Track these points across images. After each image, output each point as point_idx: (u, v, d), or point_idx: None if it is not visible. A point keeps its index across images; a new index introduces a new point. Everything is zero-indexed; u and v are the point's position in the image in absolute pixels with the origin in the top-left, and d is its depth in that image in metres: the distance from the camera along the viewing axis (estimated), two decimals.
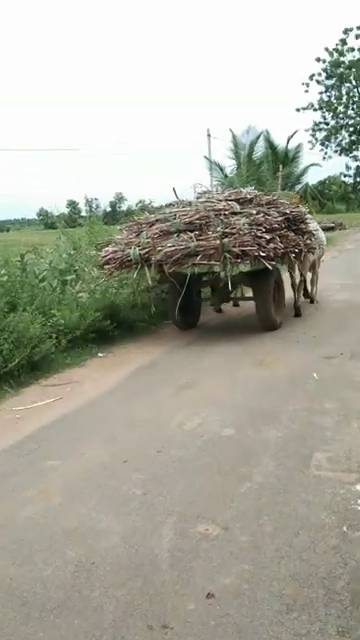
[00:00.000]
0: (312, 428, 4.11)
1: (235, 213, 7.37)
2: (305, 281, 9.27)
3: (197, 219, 7.20)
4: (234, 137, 19.91)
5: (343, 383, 5.10)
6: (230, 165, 20.16)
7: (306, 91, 40.41)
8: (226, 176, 19.71)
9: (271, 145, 20.86)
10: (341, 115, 40.20)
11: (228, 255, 6.87)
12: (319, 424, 4.17)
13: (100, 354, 6.79)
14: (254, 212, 7.38)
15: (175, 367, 6.14)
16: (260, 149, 19.99)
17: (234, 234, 6.94)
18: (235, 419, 4.40)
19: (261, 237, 7.05)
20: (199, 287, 8.26)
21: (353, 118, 39.96)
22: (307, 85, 39.30)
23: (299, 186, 22.40)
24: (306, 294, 9.55)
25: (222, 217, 7.23)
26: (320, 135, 41.20)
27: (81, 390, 5.42)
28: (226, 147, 20.19)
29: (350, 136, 40.72)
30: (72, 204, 59.55)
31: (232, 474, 3.48)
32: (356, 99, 39.30)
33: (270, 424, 4.23)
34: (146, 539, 2.87)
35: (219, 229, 7.03)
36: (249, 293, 8.69)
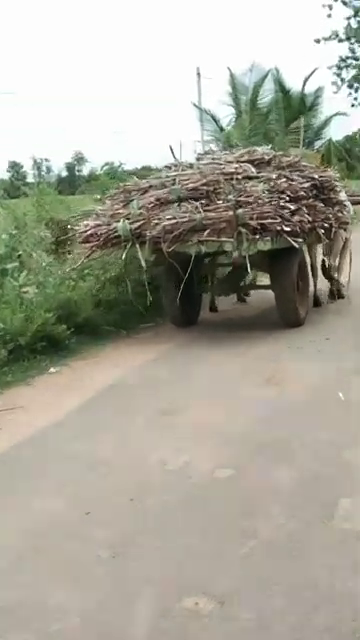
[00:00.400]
0: (338, 466, 4.13)
1: (250, 178, 7.69)
2: (330, 267, 9.49)
3: (203, 185, 7.47)
4: (232, 77, 19.97)
5: None
6: (227, 115, 20.25)
7: (329, 15, 40.43)
8: (222, 129, 19.80)
9: (282, 88, 20.98)
10: None
11: (244, 230, 7.12)
12: (347, 461, 4.19)
13: (53, 369, 6.78)
14: (274, 176, 7.71)
15: (154, 385, 6.15)
16: (267, 93, 20.09)
17: (251, 203, 7.22)
18: (234, 455, 4.39)
19: (284, 208, 7.35)
20: (201, 273, 8.47)
21: None
22: (329, 7, 39.71)
23: (320, 142, 22.60)
24: (328, 278, 9.68)
25: (234, 182, 7.52)
26: (348, 74, 41.54)
27: (27, 418, 5.39)
28: (222, 91, 20.23)
29: None
30: (14, 167, 59.32)
31: (230, 529, 3.48)
32: None
33: (281, 461, 4.24)
34: (116, 618, 2.86)
35: (231, 197, 7.29)
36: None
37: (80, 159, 65.06)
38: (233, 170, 7.76)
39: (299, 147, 13.34)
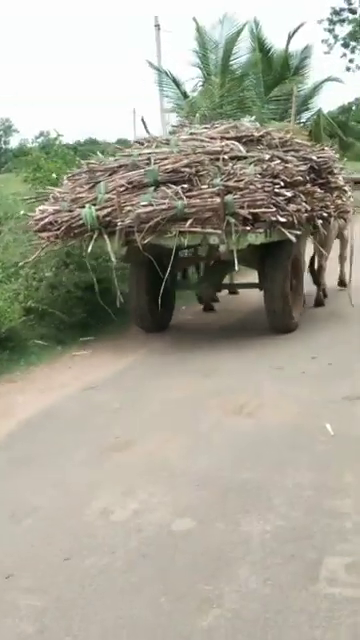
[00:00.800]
0: (323, 516, 4.16)
1: (238, 158, 7.99)
2: (320, 268, 10.14)
3: (185, 166, 7.71)
4: (200, 31, 20.05)
5: None
6: (193, 77, 20.34)
7: None
8: (186, 95, 19.87)
9: (261, 46, 21.16)
10: None
11: (232, 220, 7.39)
12: (335, 509, 4.23)
13: None
14: (266, 157, 8.02)
15: (98, 415, 6.16)
16: (243, 52, 20.22)
17: (241, 189, 7.51)
18: (196, 503, 4.40)
19: (279, 194, 7.68)
20: (176, 269, 8.73)
21: None
22: None
23: (307, 114, 22.86)
24: (316, 282, 10.30)
25: (221, 164, 7.78)
26: (342, 31, 42.33)
27: None
28: (187, 48, 20.29)
29: None
30: None
31: (190, 596, 3.49)
32: None
33: (254, 510, 4.26)
34: None
35: (218, 181, 7.54)
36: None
37: (8, 128, 64.85)
38: (219, 149, 8.01)
39: (292, 120, 13.65)
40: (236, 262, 7.62)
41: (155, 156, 7.98)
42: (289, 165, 8.15)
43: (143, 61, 27.69)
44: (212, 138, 8.46)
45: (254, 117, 10.78)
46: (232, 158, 7.96)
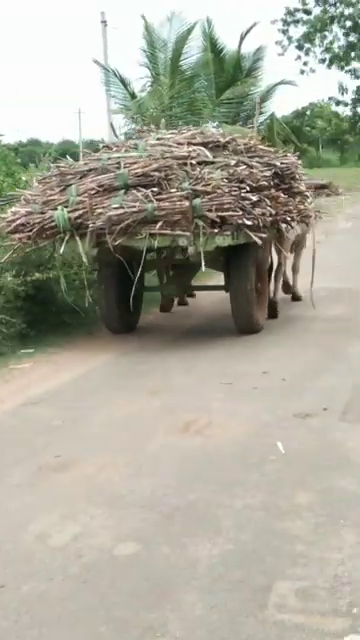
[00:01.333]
0: (273, 539, 4.18)
1: (205, 163, 8.67)
2: (278, 269, 10.73)
3: (154, 170, 8.33)
4: (148, 29, 20.11)
5: (327, 460, 5.27)
6: (141, 77, 20.39)
7: None
8: (133, 95, 19.91)
9: (213, 46, 21.32)
10: None
11: (201, 223, 8.06)
12: (285, 532, 4.26)
13: None
14: (232, 163, 8.71)
15: (36, 432, 6.11)
16: (194, 52, 20.34)
17: (209, 193, 8.18)
18: (140, 526, 4.40)
19: (245, 199, 8.31)
20: (145, 271, 9.37)
21: (352, 5, 41.88)
22: None
23: (260, 118, 23.05)
24: (286, 288, 11.20)
25: (188, 168, 8.48)
26: (297, 32, 42.91)
27: None
28: (136, 46, 20.31)
29: (347, 35, 42.74)
30: None
31: (132, 624, 3.48)
32: None
33: (202, 533, 4.26)
34: None
35: (186, 185, 8.22)
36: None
37: None
38: (186, 154, 8.67)
39: (255, 126, 14.21)
40: (203, 263, 8.29)
41: (125, 160, 8.59)
42: (254, 170, 8.76)
43: (89, 59, 27.72)
44: (179, 143, 9.04)
45: (216, 123, 11.29)
46: (199, 163, 8.60)
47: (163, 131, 10.30)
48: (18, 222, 8.46)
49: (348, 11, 41.87)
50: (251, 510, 4.55)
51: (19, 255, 8.78)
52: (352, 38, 42.39)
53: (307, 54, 42.83)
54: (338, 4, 41.97)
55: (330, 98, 47.35)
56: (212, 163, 8.69)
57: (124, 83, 20.13)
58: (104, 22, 37.44)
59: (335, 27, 42.43)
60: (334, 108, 50.81)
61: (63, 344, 9.15)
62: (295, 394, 6.83)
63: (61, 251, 8.43)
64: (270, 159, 9.47)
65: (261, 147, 9.90)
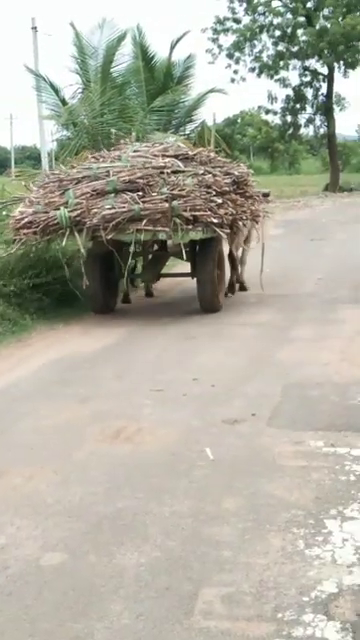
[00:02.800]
0: (201, 545, 4.20)
1: (178, 172, 10.51)
2: (234, 257, 12.59)
3: (138, 178, 10.24)
4: (78, 36, 20.01)
5: (255, 465, 5.31)
6: (72, 83, 20.27)
7: None
8: (64, 102, 19.80)
9: (144, 54, 21.29)
10: (261, 8, 42.50)
11: (178, 220, 9.92)
12: (212, 538, 4.28)
13: None
14: (200, 172, 10.59)
15: None
16: (124, 59, 20.29)
17: (184, 197, 10.07)
18: (67, 535, 4.38)
19: (212, 201, 10.25)
20: (127, 261, 10.92)
21: (281, 14, 42.35)
22: None
23: (191, 126, 23.13)
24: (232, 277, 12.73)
25: (165, 176, 10.32)
26: (227, 41, 43.23)
27: None
28: (67, 53, 20.17)
29: (276, 45, 43.17)
30: None
31: (57, 635, 3.46)
32: None
33: (129, 541, 4.27)
34: None
35: (165, 190, 10.09)
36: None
37: None
38: (163, 164, 10.53)
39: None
40: (184, 254, 10.60)
41: (112, 169, 10.45)
42: (218, 178, 10.67)
43: (20, 64, 27.47)
44: (155, 155, 10.90)
45: (175, 138, 13.81)
46: (174, 172, 10.42)
47: (137, 144, 12.18)
48: (25, 220, 10.22)
49: (277, 21, 42.28)
50: (179, 517, 4.56)
51: (26, 247, 10.75)
52: (281, 47, 42.82)
53: (237, 63, 43.12)
54: (267, 14, 42.40)
55: (260, 107, 47.79)
56: (184, 172, 10.46)
57: (55, 89, 19.96)
58: (34, 28, 37.22)
59: (264, 36, 42.84)
60: (264, 116, 51.28)
61: None
62: (224, 400, 6.87)
63: (63, 244, 10.28)
64: (229, 168, 11.39)
65: (219, 158, 11.90)
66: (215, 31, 42.94)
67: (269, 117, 48.81)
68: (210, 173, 10.61)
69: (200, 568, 3.97)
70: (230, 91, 38.96)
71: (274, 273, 13.68)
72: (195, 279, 11.20)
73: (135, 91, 20.41)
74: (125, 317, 11.19)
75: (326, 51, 40.63)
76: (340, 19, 39.41)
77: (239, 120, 60.82)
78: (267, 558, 4.04)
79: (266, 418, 6.31)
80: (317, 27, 40.55)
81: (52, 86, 19.88)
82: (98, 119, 18.41)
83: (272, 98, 44.82)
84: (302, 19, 41.92)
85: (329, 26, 39.90)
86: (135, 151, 11.19)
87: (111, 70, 19.40)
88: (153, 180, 10.20)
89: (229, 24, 42.93)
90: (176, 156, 10.92)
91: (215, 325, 10.25)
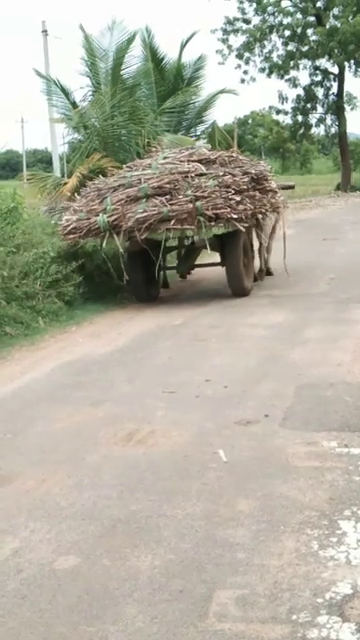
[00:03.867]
0: (214, 548, 4.19)
1: (201, 175, 11.96)
2: (261, 246, 14.06)
3: (166, 183, 11.71)
4: (88, 39, 20.01)
5: (268, 467, 5.30)
6: (83, 86, 20.30)
7: None
8: (75, 105, 19.82)
9: (153, 55, 21.32)
10: (270, 8, 42.46)
11: (202, 219, 11.44)
12: (226, 540, 4.27)
13: None
14: (221, 173, 12.00)
15: None
16: (134, 61, 20.31)
17: (206, 197, 11.54)
18: (81, 538, 4.38)
19: (231, 199, 11.61)
20: (162, 255, 12.42)
21: (290, 14, 42.30)
22: None
23: (202, 127, 23.13)
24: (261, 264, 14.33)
25: (190, 180, 11.79)
26: (236, 41, 43.24)
27: None
28: (77, 55, 20.19)
29: (286, 45, 43.14)
30: None
31: (72, 637, 3.46)
32: None
33: (141, 544, 4.26)
34: None
35: (190, 192, 11.58)
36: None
37: None
38: (187, 169, 12.00)
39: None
40: (208, 247, 11.94)
41: (143, 177, 11.90)
42: (236, 178, 12.01)
43: (31, 68, 27.43)
44: (181, 161, 12.34)
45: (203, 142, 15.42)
46: (197, 175, 11.88)
47: (167, 150, 13.63)
48: (71, 227, 11.84)
49: (287, 20, 42.28)
50: (192, 519, 4.55)
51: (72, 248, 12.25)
52: (291, 47, 42.80)
53: (247, 63, 43.17)
54: (277, 14, 42.37)
55: (271, 107, 47.76)
56: (205, 174, 11.90)
57: (65, 92, 20.00)
58: (45, 32, 37.34)
59: (274, 36, 42.83)
60: (275, 117, 51.29)
61: (6, 350, 9.21)
62: (237, 401, 6.85)
63: (104, 245, 11.85)
64: (247, 167, 12.68)
65: (240, 157, 13.43)
66: (225, 32, 43.00)
67: (280, 117, 48.85)
68: (229, 174, 11.98)
69: (214, 570, 3.96)
70: (240, 91, 39.03)
71: (286, 273, 13.69)
72: (224, 267, 12.70)
73: (145, 93, 20.45)
74: (137, 320, 11.21)
75: (336, 50, 40.58)
76: (350, 18, 39.29)
77: (250, 121, 60.77)
78: (281, 560, 4.03)
79: (279, 419, 6.30)
80: (327, 26, 40.52)
81: (62, 89, 19.93)
82: (109, 121, 18.46)
83: (283, 98, 44.87)
84: (312, 19, 41.90)
85: (339, 25, 39.83)
86: (165, 157, 12.68)
87: (121, 72, 19.45)
88: (179, 184, 11.67)
89: (239, 24, 42.97)
90: (200, 160, 12.39)
91: (227, 327, 10.24)
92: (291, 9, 42.15)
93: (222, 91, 22.92)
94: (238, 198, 11.63)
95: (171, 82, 20.99)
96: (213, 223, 11.48)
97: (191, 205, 11.34)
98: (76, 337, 10.20)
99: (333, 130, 46.10)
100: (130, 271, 12.16)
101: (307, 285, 13.27)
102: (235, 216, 11.52)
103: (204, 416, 6.49)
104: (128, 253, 12.15)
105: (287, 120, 47.28)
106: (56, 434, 6.29)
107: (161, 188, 11.61)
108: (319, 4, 41.93)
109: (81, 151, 18.82)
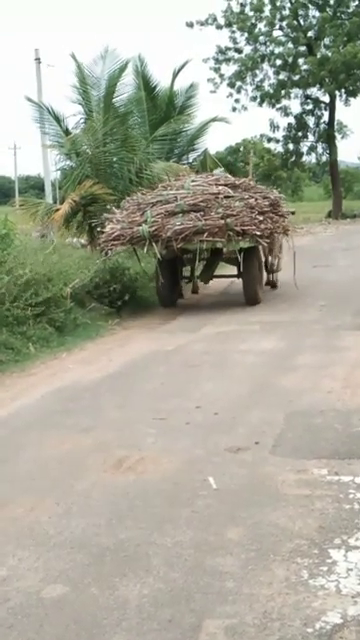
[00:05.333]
0: (204, 576, 4.17)
1: (228, 197, 13.82)
2: (271, 264, 15.98)
3: (201, 202, 13.58)
4: (80, 67, 20.14)
5: (258, 494, 5.27)
6: (75, 114, 20.42)
7: None
8: (67, 132, 19.93)
9: (146, 84, 21.49)
10: (262, 38, 42.83)
11: (231, 233, 13.37)
12: (215, 568, 4.24)
13: None
14: (246, 197, 13.97)
15: None
16: (127, 89, 20.45)
17: (235, 215, 13.46)
18: (70, 567, 4.35)
19: (255, 218, 13.62)
20: (183, 266, 15.26)
21: (282, 44, 42.66)
22: None
23: (194, 154, 23.26)
24: (269, 278, 16.38)
25: (220, 200, 13.66)
26: (228, 70, 43.53)
27: None
28: (70, 83, 20.34)
29: (277, 74, 43.45)
30: None
31: None
32: (287, 9, 42.02)
33: (132, 573, 4.23)
34: None
35: (221, 211, 13.44)
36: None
37: None
38: (217, 191, 13.86)
39: (250, 176, 18.52)
40: (240, 258, 14.20)
41: (179, 195, 13.79)
42: (259, 201, 14.08)
43: (23, 95, 27.59)
44: (210, 184, 14.24)
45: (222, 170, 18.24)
46: (225, 197, 13.75)
47: (193, 175, 16.07)
48: (115, 234, 13.77)
49: (278, 50, 42.54)
50: (181, 547, 4.53)
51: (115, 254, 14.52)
52: (282, 76, 43.06)
53: (239, 92, 43.39)
54: (268, 43, 42.68)
55: (262, 135, 47.99)
56: (233, 197, 13.80)
57: (58, 120, 20.16)
58: (38, 59, 37.59)
59: (266, 65, 43.09)
60: (266, 145, 51.51)
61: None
62: (227, 428, 6.83)
63: (145, 251, 13.82)
64: (266, 193, 14.91)
65: (259, 186, 15.75)
66: (217, 60, 43.25)
67: (271, 145, 49.03)
68: (253, 197, 14.03)
69: (203, 599, 3.93)
70: (232, 119, 39.20)
71: (277, 299, 13.75)
72: (241, 279, 14.74)
73: (138, 120, 20.61)
74: (128, 346, 11.19)
75: (327, 79, 40.82)
76: (341, 48, 39.58)
77: (241, 148, 61.07)
78: (271, 589, 4.00)
79: (269, 446, 6.28)
80: (318, 56, 40.81)
81: (55, 116, 20.11)
82: (101, 149, 18.61)
83: (274, 126, 45.08)
84: (303, 48, 42.21)
85: (330, 55, 40.13)
86: (193, 181, 14.54)
87: (113, 100, 19.64)
88: (211, 203, 13.55)
89: (231, 54, 43.26)
90: (226, 185, 14.33)
91: (218, 353, 10.23)
92: (282, 39, 42.44)
93: (214, 119, 23.15)
94: (261, 218, 13.73)
95: (163, 110, 21.15)
96: (240, 237, 13.51)
97: (222, 221, 13.27)
98: (67, 363, 10.18)
99: (324, 158, 46.31)
100: (162, 276, 14.27)
101: (298, 312, 13.30)
102: (259, 233, 13.58)
103: (194, 443, 6.47)
104: (159, 261, 13.80)
105: (279, 148, 47.48)
106: (46, 461, 6.26)
107: (196, 205, 13.53)
108: (310, 34, 42.23)
109: (73, 178, 18.95)
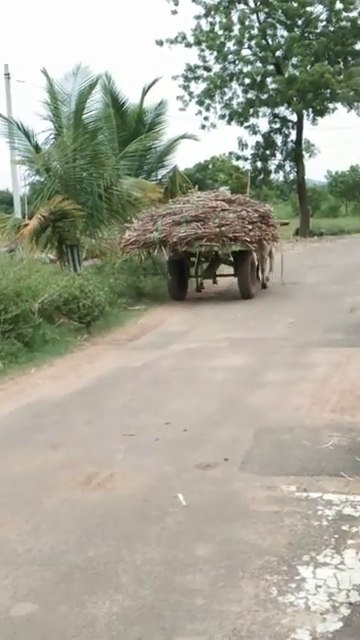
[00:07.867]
0: (173, 594, 4.16)
1: (224, 210, 17.09)
2: (259, 267, 18.78)
3: (200, 214, 16.92)
4: (50, 83, 20.19)
5: (227, 511, 5.28)
6: (45, 130, 20.43)
7: (174, 12, 42.69)
8: (37, 147, 19.92)
9: (114, 101, 21.61)
10: (231, 56, 43.14)
11: (225, 239, 16.57)
12: (185, 586, 4.24)
13: None
14: (239, 209, 17.23)
15: None
16: (96, 106, 20.52)
17: (229, 225, 16.65)
18: (39, 585, 4.33)
19: (246, 227, 16.70)
20: (189, 266, 18.39)
21: (250, 63, 42.96)
22: (175, 2, 41.69)
23: (163, 171, 23.36)
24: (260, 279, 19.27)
25: (217, 212, 16.92)
26: (197, 88, 43.72)
27: None
28: (40, 99, 20.36)
29: (246, 92, 43.70)
30: None
31: None
32: (255, 29, 42.37)
33: (101, 590, 4.22)
34: None
35: (217, 221, 16.70)
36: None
37: None
38: (215, 205, 17.22)
39: (247, 191, 22.01)
40: (231, 258, 17.86)
41: (184, 208, 17.28)
42: (250, 213, 17.24)
43: None
44: (210, 199, 17.73)
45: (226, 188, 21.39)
46: (222, 210, 17.06)
47: (198, 193, 19.20)
48: (132, 240, 17.21)
49: (247, 69, 42.77)
50: (151, 565, 4.52)
51: (131, 257, 18.00)
52: (251, 95, 43.29)
53: (208, 110, 43.57)
54: (237, 62, 42.93)
55: (231, 153, 48.23)
56: (228, 210, 17.09)
57: (28, 135, 20.15)
58: (7, 75, 37.56)
59: (234, 84, 43.32)
60: (235, 162, 51.73)
61: None
62: (196, 445, 6.83)
63: (155, 253, 17.45)
64: (257, 207, 18.18)
65: (252, 200, 19.20)
66: (186, 78, 43.40)
67: (240, 163, 49.28)
68: (245, 210, 17.29)
69: (173, 617, 3.93)
70: (201, 137, 39.36)
71: (245, 316, 13.76)
72: (237, 277, 17.82)
73: (107, 137, 20.69)
74: (97, 362, 11.15)
75: (295, 98, 41.11)
76: (308, 67, 39.92)
77: (210, 166, 61.38)
78: (240, 606, 4.01)
79: (238, 463, 6.29)
80: (286, 75, 41.09)
81: (25, 132, 20.06)
82: (70, 164, 18.62)
83: (242, 144, 45.32)
84: (271, 67, 42.46)
85: (298, 74, 40.44)
86: (198, 197, 18.17)
87: (83, 116, 19.71)
88: (209, 215, 16.94)
89: (200, 72, 43.44)
90: (223, 200, 17.75)
91: (187, 369, 10.23)
92: (251, 58, 42.64)
93: (183, 136, 23.35)
94: (250, 227, 16.83)
95: (132, 127, 21.29)
96: (232, 242, 16.72)
97: (218, 229, 16.54)
98: (35, 379, 10.12)
99: (292, 176, 46.61)
100: (170, 274, 17.87)
101: (266, 329, 13.35)
102: (248, 239, 16.66)
103: (164, 459, 6.46)
104: (168, 262, 17.63)
105: (247, 166, 47.69)
106: (14, 478, 6.22)
107: (197, 216, 16.92)
108: (278, 53, 42.49)
109: (42, 193, 18.91)
